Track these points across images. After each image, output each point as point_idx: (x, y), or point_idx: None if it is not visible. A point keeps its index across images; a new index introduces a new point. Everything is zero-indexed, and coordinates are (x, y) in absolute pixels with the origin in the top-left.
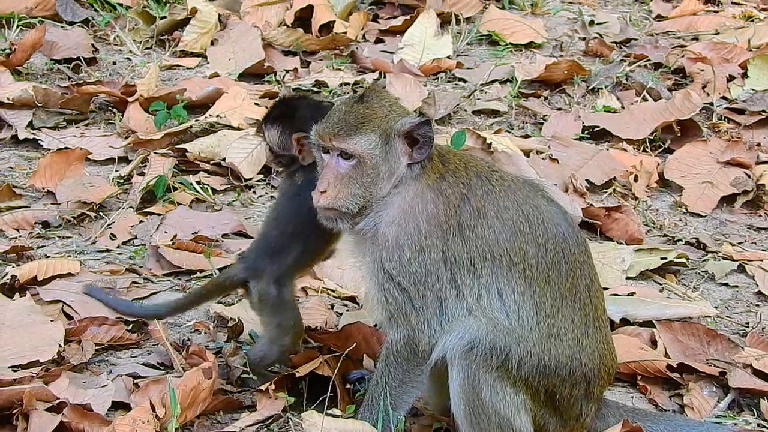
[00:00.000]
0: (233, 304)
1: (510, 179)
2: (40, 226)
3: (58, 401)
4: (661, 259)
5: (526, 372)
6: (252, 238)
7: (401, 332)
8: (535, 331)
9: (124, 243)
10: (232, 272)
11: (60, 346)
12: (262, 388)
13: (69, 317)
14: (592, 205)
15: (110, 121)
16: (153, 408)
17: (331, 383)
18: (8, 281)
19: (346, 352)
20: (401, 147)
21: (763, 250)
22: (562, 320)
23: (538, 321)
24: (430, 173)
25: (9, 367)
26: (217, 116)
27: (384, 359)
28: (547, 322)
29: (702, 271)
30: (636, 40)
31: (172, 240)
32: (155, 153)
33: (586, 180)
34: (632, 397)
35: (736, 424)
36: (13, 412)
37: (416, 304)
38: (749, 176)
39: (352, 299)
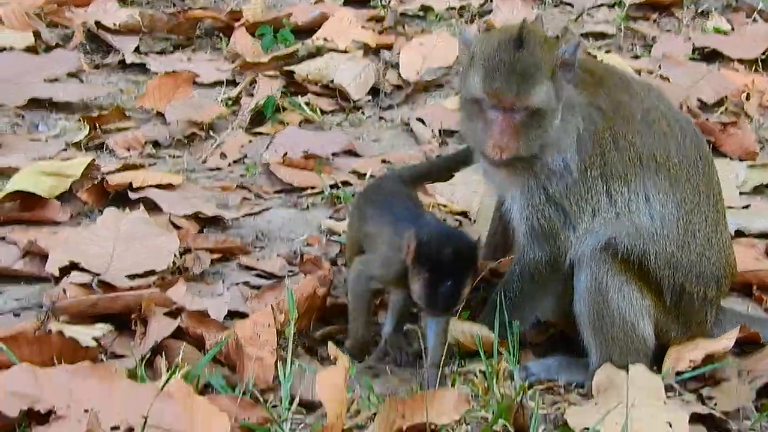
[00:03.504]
0: (344, 219)
1: (637, 81)
2: (151, 145)
3: (175, 306)
4: None
5: (660, 268)
6: (362, 157)
7: (546, 252)
8: (674, 229)
9: (234, 161)
10: None
11: (175, 255)
12: None
13: (177, 227)
14: (707, 119)
15: (216, 46)
16: (273, 312)
17: None
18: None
19: None
20: (562, 76)
21: None
22: (698, 216)
23: (678, 218)
24: (584, 90)
25: (126, 276)
26: (324, 39)
27: (518, 275)
28: (686, 218)
29: None
30: None
31: (282, 158)
32: (263, 74)
33: (698, 99)
34: (748, 307)
35: None
36: (132, 317)
37: (574, 222)
38: None
39: (464, 214)
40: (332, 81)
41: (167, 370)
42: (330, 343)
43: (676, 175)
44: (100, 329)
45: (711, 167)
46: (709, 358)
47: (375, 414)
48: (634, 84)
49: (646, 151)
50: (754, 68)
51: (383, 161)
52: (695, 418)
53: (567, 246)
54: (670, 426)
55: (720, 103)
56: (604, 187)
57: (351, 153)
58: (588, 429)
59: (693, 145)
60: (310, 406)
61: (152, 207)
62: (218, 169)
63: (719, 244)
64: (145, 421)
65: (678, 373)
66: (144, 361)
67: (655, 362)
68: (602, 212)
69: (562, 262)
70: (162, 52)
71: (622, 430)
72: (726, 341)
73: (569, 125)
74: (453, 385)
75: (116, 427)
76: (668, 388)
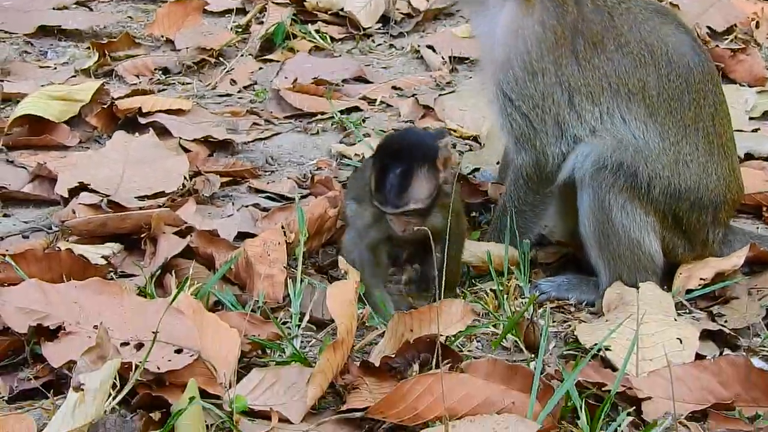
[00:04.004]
0: (355, 144)
1: (638, 9)
2: (160, 72)
3: (185, 225)
4: None
5: (656, 195)
6: (372, 83)
7: (529, 156)
8: (663, 156)
9: (244, 88)
10: None
11: (185, 178)
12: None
13: (187, 151)
14: (718, 45)
15: None
16: (283, 231)
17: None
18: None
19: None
20: None
21: None
22: (687, 147)
23: (664, 147)
24: (528, 3)
25: (136, 197)
26: None
27: (513, 183)
28: (673, 149)
29: None
30: None
31: (292, 83)
32: (273, 2)
33: (708, 27)
34: (758, 227)
35: None
36: (141, 236)
37: (537, 127)
38: None
39: (474, 138)
40: (342, 9)
41: (176, 287)
42: (340, 258)
43: (653, 107)
44: (110, 248)
45: (703, 100)
46: (719, 277)
47: (384, 332)
48: (621, 16)
49: (616, 77)
50: None
51: (393, 87)
52: (705, 335)
53: (548, 152)
54: (681, 342)
55: (729, 30)
56: (566, 98)
57: (361, 79)
58: (597, 344)
59: (680, 79)
60: (320, 324)
61: (162, 132)
62: (228, 95)
63: (717, 171)
64: (155, 336)
65: (688, 291)
66: (154, 280)
67: (666, 282)
68: (573, 127)
69: (551, 171)
70: None
71: (631, 345)
72: (736, 259)
73: (500, 17)
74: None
75: (126, 343)
76: (678, 306)
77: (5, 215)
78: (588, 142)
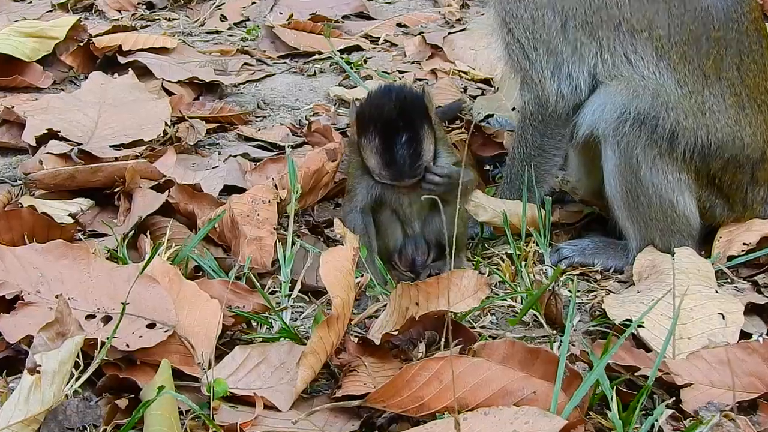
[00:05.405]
0: (355, 86)
1: None
2: (144, 7)
3: (164, 179)
4: None
5: (684, 148)
6: (375, 20)
7: (531, 92)
8: (684, 102)
9: (235, 24)
10: None
11: (166, 124)
12: None
13: (171, 93)
14: None
15: None
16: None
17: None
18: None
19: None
20: None
21: None
22: (712, 98)
23: (683, 94)
24: None
25: (111, 146)
26: None
27: (520, 126)
28: (694, 98)
29: None
30: None
31: (288, 20)
32: None
33: None
34: None
35: None
36: (115, 191)
37: (531, 57)
38: None
39: (487, 81)
40: None
41: (152, 250)
42: (336, 220)
43: (663, 49)
44: (78, 204)
45: (725, 50)
46: (764, 241)
47: (385, 305)
48: None
49: (617, 10)
50: None
51: (398, 25)
52: (750, 309)
53: (548, 91)
54: (723, 318)
55: None
56: (558, 24)
57: (363, 15)
58: (630, 321)
59: (695, 23)
60: (313, 293)
61: (143, 72)
62: (217, 32)
63: (752, 125)
64: (123, 308)
65: (729, 258)
66: (127, 241)
67: (704, 248)
68: (569, 63)
69: (554, 111)
70: None
71: (673, 326)
72: None
73: None
74: (476, 269)
75: (91, 316)
76: (719, 275)
77: None
78: (600, 92)
